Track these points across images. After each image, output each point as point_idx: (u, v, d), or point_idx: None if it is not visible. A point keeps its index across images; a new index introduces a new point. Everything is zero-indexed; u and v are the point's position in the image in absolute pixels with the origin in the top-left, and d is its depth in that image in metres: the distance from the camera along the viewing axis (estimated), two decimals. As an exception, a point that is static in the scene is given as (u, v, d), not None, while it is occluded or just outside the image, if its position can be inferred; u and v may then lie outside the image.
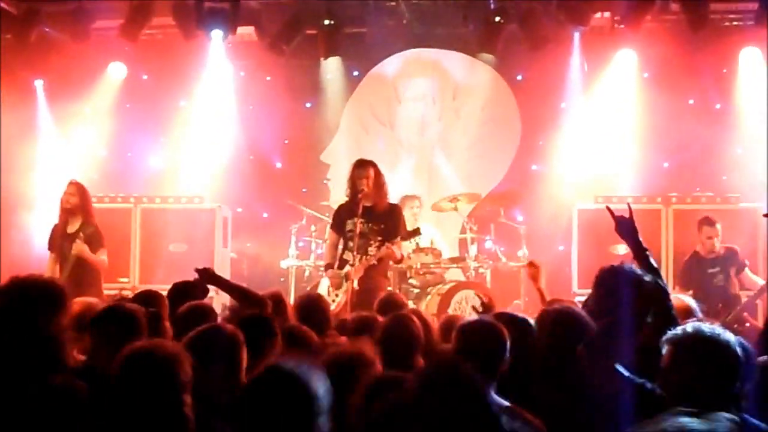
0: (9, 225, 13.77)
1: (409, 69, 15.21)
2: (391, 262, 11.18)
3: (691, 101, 14.13)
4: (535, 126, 14.63)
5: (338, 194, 12.88)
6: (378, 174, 10.84)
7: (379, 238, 10.66)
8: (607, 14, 13.76)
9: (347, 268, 10.59)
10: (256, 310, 6.39)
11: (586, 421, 4.74)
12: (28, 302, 5.51)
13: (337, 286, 10.65)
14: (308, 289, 12.01)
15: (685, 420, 4.03)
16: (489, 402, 3.60)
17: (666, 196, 12.89)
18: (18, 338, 5.07)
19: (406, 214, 12.20)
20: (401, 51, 15.11)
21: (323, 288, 10.87)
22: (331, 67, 15.00)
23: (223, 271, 13.17)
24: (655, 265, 5.85)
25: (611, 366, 4.74)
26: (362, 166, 10.84)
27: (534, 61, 14.11)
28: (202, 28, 13.52)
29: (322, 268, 11.53)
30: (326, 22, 14.03)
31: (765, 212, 10.75)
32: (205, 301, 7.31)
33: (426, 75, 15.17)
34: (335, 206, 11.88)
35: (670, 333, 4.37)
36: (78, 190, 11.28)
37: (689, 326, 4.36)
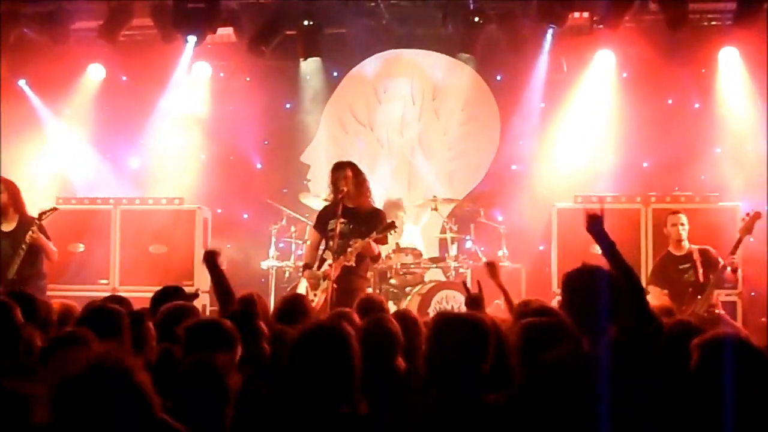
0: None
1: (389, 69, 15.21)
2: (371, 262, 11.16)
3: (670, 101, 14.18)
4: (515, 126, 14.63)
5: (318, 193, 12.85)
6: (356, 173, 10.83)
7: (359, 240, 10.64)
8: (585, 14, 13.77)
9: (324, 267, 10.57)
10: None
11: None
12: None
13: (314, 287, 10.62)
14: (288, 289, 11.99)
15: None
16: None
17: (645, 195, 12.93)
18: None
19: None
20: (381, 51, 15.12)
21: (302, 290, 10.85)
22: (311, 68, 14.99)
23: (204, 273, 13.12)
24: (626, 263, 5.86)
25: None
26: (340, 168, 10.84)
27: (513, 61, 14.15)
28: (181, 29, 13.48)
29: (301, 269, 11.51)
30: (305, 22, 14.05)
31: (747, 212, 10.85)
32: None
33: (405, 75, 15.16)
34: (312, 202, 11.87)
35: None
36: (6, 186, 11.17)
37: None
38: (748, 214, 10.70)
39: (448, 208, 13.74)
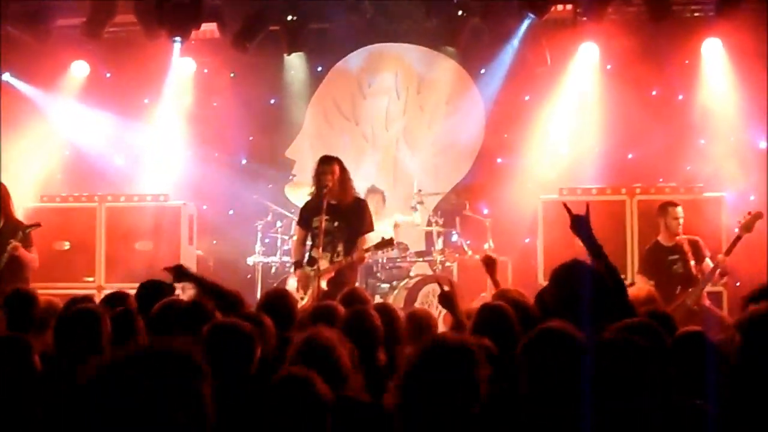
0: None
1: (373, 64, 15.21)
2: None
3: (654, 92, 14.20)
4: (500, 119, 14.65)
5: (302, 187, 12.85)
6: (343, 170, 10.83)
7: (345, 236, 10.66)
8: (569, 7, 13.80)
9: (317, 265, 10.55)
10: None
11: None
12: None
13: (305, 287, 10.62)
14: (275, 285, 11.98)
15: None
16: None
17: (630, 186, 12.96)
18: None
19: (373, 207, 12.29)
20: (365, 46, 15.11)
21: (290, 287, 10.84)
22: (295, 63, 15.00)
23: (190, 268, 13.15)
24: (610, 262, 5.90)
25: None
26: (327, 162, 10.82)
27: (497, 54, 14.16)
28: (164, 25, 13.45)
29: (290, 266, 11.51)
30: (289, 18, 14.04)
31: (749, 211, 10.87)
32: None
33: (390, 70, 15.16)
34: (297, 195, 11.88)
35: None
36: None
37: None
38: (749, 213, 10.73)
39: (434, 201, 13.74)
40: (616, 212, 12.63)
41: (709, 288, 11.21)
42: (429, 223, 13.15)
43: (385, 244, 10.83)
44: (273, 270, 13.26)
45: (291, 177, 14.93)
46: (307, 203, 11.09)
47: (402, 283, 12.32)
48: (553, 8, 13.41)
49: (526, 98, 14.49)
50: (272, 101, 15.31)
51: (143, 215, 13.42)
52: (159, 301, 6.75)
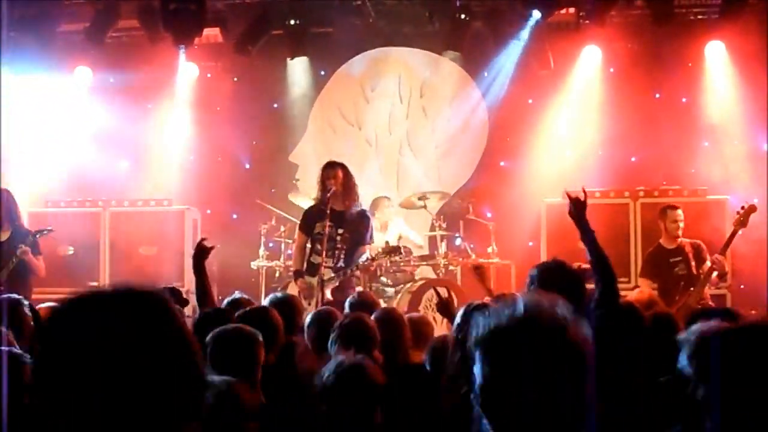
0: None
1: (376, 68, 15.21)
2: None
3: (657, 95, 14.19)
4: (503, 122, 14.65)
5: (307, 193, 12.86)
6: (347, 175, 10.86)
7: (347, 245, 10.71)
8: (572, 10, 13.80)
9: (318, 275, 10.57)
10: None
11: None
12: None
13: (308, 297, 10.63)
14: (279, 289, 11.98)
15: None
16: None
17: (634, 189, 12.98)
18: None
19: (380, 215, 12.32)
20: (367, 50, 15.11)
21: (293, 292, 10.86)
22: (298, 68, 14.99)
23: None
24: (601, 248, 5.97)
25: None
26: (331, 167, 10.86)
27: (500, 58, 14.17)
28: (168, 30, 13.46)
29: (292, 274, 11.51)
30: (292, 22, 14.03)
31: (741, 205, 10.87)
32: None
33: (393, 73, 15.16)
34: (301, 201, 11.91)
35: None
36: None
37: None
38: (743, 207, 10.71)
39: (438, 206, 13.73)
40: (619, 215, 12.65)
41: (713, 291, 11.22)
42: (432, 227, 13.15)
43: (392, 250, 10.91)
44: (277, 274, 13.26)
45: (295, 181, 14.92)
46: (311, 208, 11.11)
47: (406, 287, 12.32)
48: (557, 10, 13.43)
49: (530, 101, 14.49)
50: (275, 105, 15.31)
51: (147, 220, 13.46)
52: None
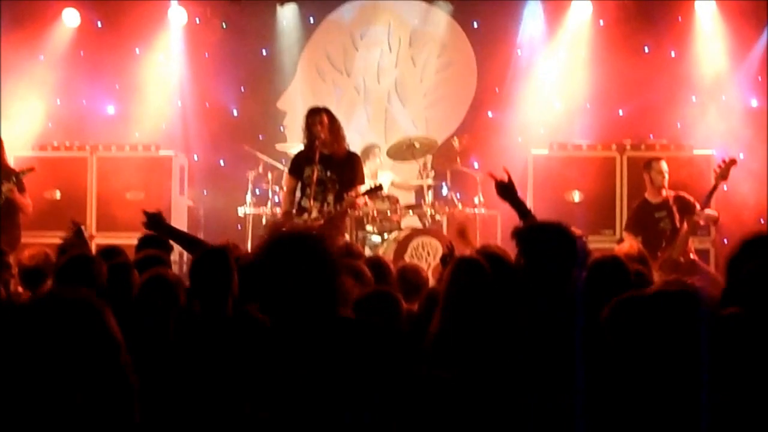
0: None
1: (366, 16, 15.15)
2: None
3: (646, 49, 14.18)
4: (491, 73, 14.64)
5: (294, 140, 12.85)
6: (332, 120, 10.89)
7: (337, 187, 10.74)
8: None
9: (305, 216, 10.63)
10: None
11: None
12: None
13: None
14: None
15: None
16: None
17: (620, 143, 13.03)
18: None
19: (369, 164, 12.32)
20: (357, -2, 15.09)
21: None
22: (288, 14, 14.94)
23: (180, 219, 13.23)
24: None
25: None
26: (315, 113, 10.89)
27: (490, 8, 14.16)
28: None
29: (282, 217, 11.53)
30: (282, -33, 13.98)
31: (722, 158, 10.93)
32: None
33: (382, 22, 15.10)
34: (290, 150, 11.92)
35: None
36: None
37: None
38: (723, 161, 10.78)
39: (428, 157, 13.70)
40: (606, 168, 12.73)
41: (697, 245, 11.31)
42: (419, 176, 13.15)
43: (375, 189, 10.94)
44: (264, 221, 13.26)
45: (282, 128, 14.92)
46: (300, 153, 11.14)
47: (392, 236, 12.34)
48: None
49: (519, 53, 14.47)
50: (264, 52, 15.24)
51: (134, 165, 13.44)
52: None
